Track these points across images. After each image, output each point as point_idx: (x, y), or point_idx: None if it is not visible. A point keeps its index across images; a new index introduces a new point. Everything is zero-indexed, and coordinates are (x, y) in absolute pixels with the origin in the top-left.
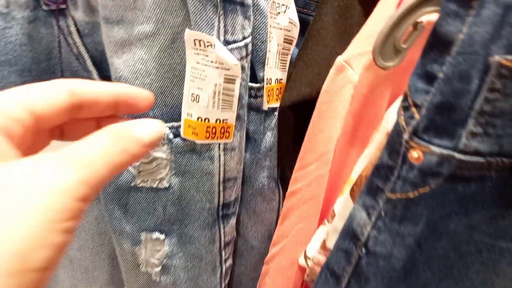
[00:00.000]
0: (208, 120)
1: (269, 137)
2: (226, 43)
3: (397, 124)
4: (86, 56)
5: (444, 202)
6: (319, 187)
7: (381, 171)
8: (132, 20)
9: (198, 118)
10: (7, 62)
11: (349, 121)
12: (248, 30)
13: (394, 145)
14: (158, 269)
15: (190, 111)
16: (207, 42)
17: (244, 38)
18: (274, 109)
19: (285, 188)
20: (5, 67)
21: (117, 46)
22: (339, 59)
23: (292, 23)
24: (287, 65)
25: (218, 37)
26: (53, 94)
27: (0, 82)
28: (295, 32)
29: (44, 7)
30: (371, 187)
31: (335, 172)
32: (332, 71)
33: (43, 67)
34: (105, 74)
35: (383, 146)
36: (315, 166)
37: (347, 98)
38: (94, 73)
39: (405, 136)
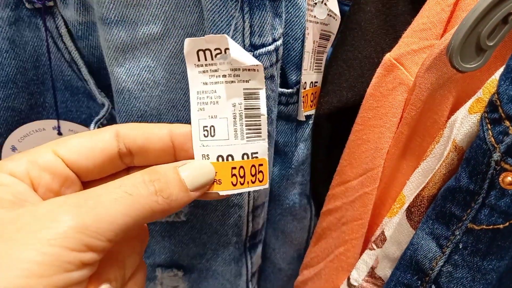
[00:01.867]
0: (233, 158)
1: (302, 149)
2: (253, 47)
3: (481, 139)
4: (80, 62)
5: None
6: (365, 207)
7: (457, 196)
8: (135, 19)
9: (218, 158)
10: None
11: (404, 131)
12: (279, 31)
13: (478, 166)
14: None
15: (205, 151)
16: (216, 49)
17: (274, 40)
18: (307, 117)
19: (317, 204)
20: None
21: (118, 51)
22: (388, 57)
23: (331, 16)
24: (323, 65)
25: (243, 41)
26: (95, 143)
27: None
28: (334, 26)
29: (28, 5)
30: (442, 214)
31: (382, 187)
32: (379, 71)
33: (30, 76)
34: (105, 83)
35: (461, 156)
36: (359, 182)
37: (398, 103)
38: (91, 82)
39: (495, 156)
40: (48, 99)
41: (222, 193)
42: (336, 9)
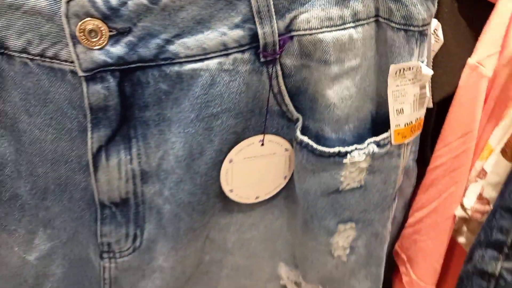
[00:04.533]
0: (412, 123)
1: None
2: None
3: None
4: (285, 93)
5: None
6: (467, 157)
7: None
8: (344, 58)
9: (405, 125)
10: (228, 109)
11: (490, 105)
12: (426, 53)
13: None
14: (348, 251)
15: (397, 122)
16: (407, 68)
17: (425, 58)
18: None
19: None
20: (226, 113)
21: (331, 80)
22: (471, 61)
23: (438, 40)
24: None
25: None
26: None
27: (220, 126)
28: (437, 47)
29: (262, 59)
30: None
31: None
32: (465, 70)
33: (250, 107)
34: (295, 105)
35: None
36: (460, 142)
37: (482, 89)
38: (290, 105)
39: None
40: (255, 121)
41: (406, 141)
42: (441, 35)
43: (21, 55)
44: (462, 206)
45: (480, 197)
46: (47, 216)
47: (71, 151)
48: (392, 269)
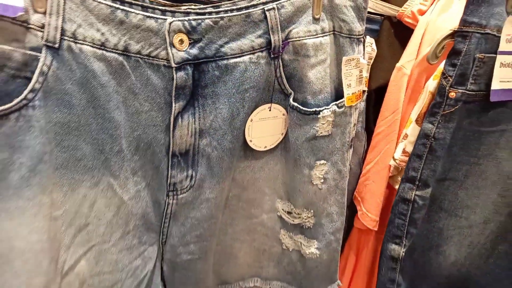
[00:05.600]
0: (356, 93)
1: (363, 106)
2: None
3: (441, 85)
4: (283, 77)
5: (464, 112)
6: (396, 125)
7: (436, 105)
8: (318, 54)
9: (352, 93)
10: (253, 86)
11: (409, 92)
12: (362, 51)
13: (441, 93)
14: (322, 180)
15: (348, 92)
16: (351, 59)
17: (362, 54)
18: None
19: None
20: (252, 89)
21: (310, 67)
22: (398, 65)
23: (374, 50)
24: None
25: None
26: None
27: (249, 97)
28: (374, 55)
29: (272, 56)
30: (432, 113)
31: (401, 117)
32: (394, 71)
33: (263, 86)
34: (289, 84)
35: (433, 95)
36: (392, 115)
37: (404, 83)
38: (286, 84)
39: (447, 88)
40: (265, 95)
41: (353, 104)
42: (375, 47)
43: (136, 55)
44: (393, 158)
45: (404, 151)
46: (135, 167)
47: (157, 118)
48: (353, 214)
